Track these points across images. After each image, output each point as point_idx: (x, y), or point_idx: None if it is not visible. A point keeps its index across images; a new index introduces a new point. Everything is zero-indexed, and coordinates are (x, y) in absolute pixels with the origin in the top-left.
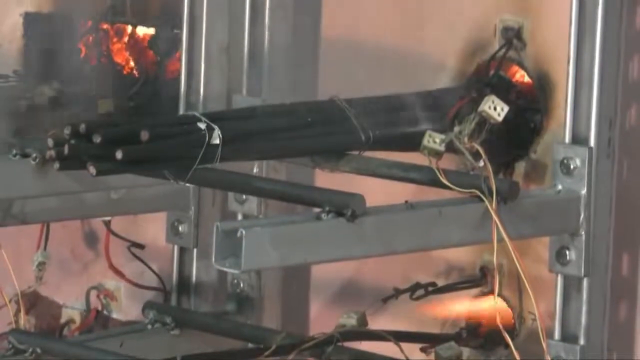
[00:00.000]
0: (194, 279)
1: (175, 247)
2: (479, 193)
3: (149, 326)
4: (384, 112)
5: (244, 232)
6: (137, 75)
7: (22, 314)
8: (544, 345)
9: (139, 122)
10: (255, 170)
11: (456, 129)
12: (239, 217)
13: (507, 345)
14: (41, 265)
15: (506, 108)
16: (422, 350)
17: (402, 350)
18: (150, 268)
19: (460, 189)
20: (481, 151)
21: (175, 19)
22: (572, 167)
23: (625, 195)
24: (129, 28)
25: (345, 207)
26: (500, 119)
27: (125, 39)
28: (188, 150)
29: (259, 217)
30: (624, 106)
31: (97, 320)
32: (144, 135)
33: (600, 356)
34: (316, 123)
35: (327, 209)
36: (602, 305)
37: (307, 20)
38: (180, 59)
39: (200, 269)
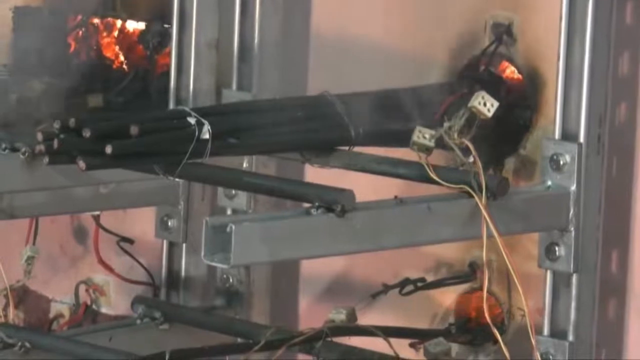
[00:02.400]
0: (183, 273)
1: (165, 242)
2: (468, 189)
3: (138, 321)
4: (374, 108)
5: (233, 227)
6: (126, 69)
7: (11, 308)
8: (533, 341)
9: (129, 117)
10: (244, 165)
11: (446, 124)
12: (229, 212)
13: (496, 341)
14: (30, 260)
15: (496, 104)
16: (411, 345)
17: (391, 346)
18: (139, 263)
19: (450, 185)
20: (471, 147)
21: (165, 14)
22: (561, 163)
23: (614, 191)
24: (119, 22)
25: (335, 203)
26: (490, 114)
27: (115, 33)
28: (178, 145)
29: (248, 212)
30: (613, 102)
31: (86, 314)
32: (134, 130)
33: (589, 352)
34: (306, 118)
35: (316, 204)
36: (591, 301)
37: (297, 15)
38: (170, 54)
39: (190, 263)
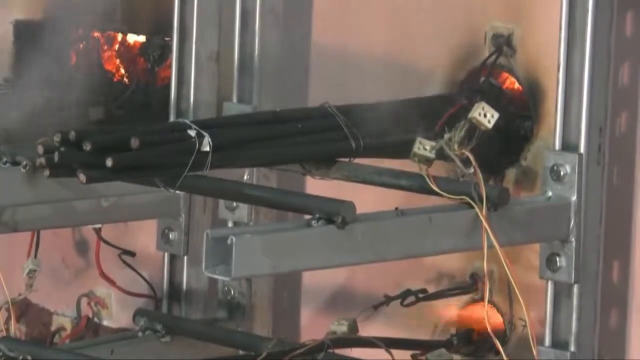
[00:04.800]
0: (184, 286)
1: (166, 255)
2: (469, 200)
3: (140, 333)
4: (374, 119)
5: (234, 239)
6: (127, 82)
7: (12, 321)
8: (535, 351)
9: (129, 130)
10: (245, 177)
11: (446, 136)
12: (230, 224)
13: (497, 352)
14: (32, 273)
15: (496, 115)
16: (413, 357)
17: (393, 357)
18: (141, 275)
19: (451, 196)
20: (471, 158)
21: (165, 27)
22: (562, 173)
23: (615, 201)
24: (120, 36)
25: (336, 214)
26: (490, 126)
27: (116, 46)
28: (178, 157)
29: (249, 225)
30: (614, 113)
31: (88, 327)
32: (134, 142)
33: None
34: (307, 130)
35: (317, 216)
36: (592, 311)
37: (298, 28)
38: (170, 67)
39: (191, 276)
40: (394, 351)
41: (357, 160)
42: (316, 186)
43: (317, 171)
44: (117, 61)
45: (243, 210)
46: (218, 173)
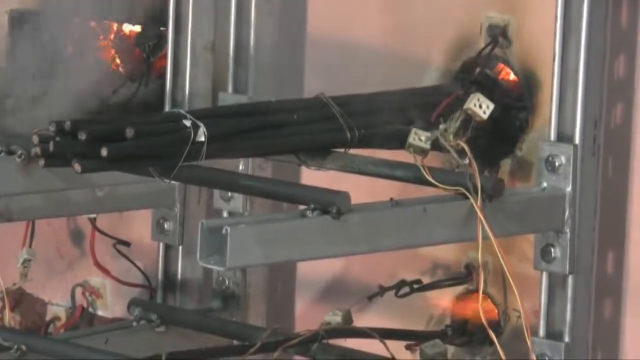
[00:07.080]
0: (179, 276)
1: (161, 245)
2: (464, 190)
3: (135, 323)
4: (369, 110)
5: (229, 229)
6: (122, 72)
7: (7, 311)
8: (529, 342)
9: (124, 120)
10: (240, 167)
11: (442, 126)
12: (225, 214)
13: (492, 343)
14: (26, 263)
15: (492, 106)
16: (408, 347)
17: (387, 348)
18: (135, 265)
19: (445, 187)
20: (466, 149)
21: (161, 17)
22: (557, 164)
23: (610, 193)
24: (115, 25)
25: (331, 205)
26: (485, 116)
27: (111, 36)
28: (173, 147)
29: (244, 215)
30: (609, 104)
31: (83, 317)
32: (129, 132)
33: (585, 354)
34: (302, 121)
35: (312, 206)
36: (586, 302)
37: (294, 18)
38: (166, 57)
39: (186, 266)
40: (388, 342)
41: (353, 151)
42: (311, 177)
43: (312, 162)
44: (113, 51)
45: (238, 200)
46: (213, 163)
